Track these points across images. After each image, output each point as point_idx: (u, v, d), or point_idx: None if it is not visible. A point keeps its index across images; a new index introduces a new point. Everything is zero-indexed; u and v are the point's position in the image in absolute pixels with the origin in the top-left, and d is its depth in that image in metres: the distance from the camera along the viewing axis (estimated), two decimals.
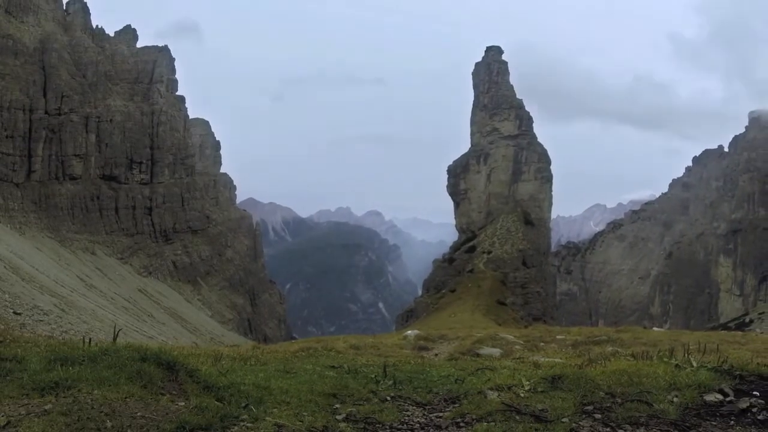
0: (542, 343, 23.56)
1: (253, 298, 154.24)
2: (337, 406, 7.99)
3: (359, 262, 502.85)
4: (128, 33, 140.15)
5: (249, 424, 6.80)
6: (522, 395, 8.04)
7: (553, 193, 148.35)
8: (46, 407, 6.47)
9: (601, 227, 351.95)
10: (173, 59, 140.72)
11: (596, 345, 21.21)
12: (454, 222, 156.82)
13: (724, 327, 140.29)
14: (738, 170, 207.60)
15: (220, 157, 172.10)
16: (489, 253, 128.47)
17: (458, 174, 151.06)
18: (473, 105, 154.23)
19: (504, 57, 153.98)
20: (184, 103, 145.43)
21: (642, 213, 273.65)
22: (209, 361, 10.80)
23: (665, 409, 7.12)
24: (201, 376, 8.27)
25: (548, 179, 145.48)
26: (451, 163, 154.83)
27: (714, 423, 6.85)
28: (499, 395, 8.19)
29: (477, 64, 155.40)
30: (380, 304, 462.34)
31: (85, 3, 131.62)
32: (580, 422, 7.00)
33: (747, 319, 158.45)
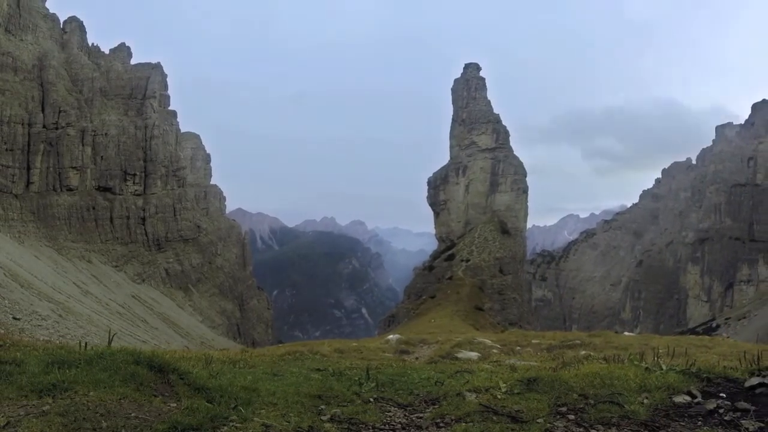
0: (518, 347, 24.04)
1: (241, 304, 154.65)
2: (323, 407, 8.12)
3: (343, 269, 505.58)
4: (122, 50, 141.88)
5: (238, 425, 6.91)
6: (499, 397, 8.16)
7: (528, 203, 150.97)
8: (44, 408, 6.57)
9: (574, 236, 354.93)
10: (165, 75, 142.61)
11: (570, 349, 21.67)
12: (433, 231, 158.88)
13: (692, 332, 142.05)
14: (705, 182, 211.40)
15: (210, 169, 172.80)
16: (467, 261, 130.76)
17: (438, 185, 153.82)
18: (452, 119, 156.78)
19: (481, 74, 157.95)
20: (176, 117, 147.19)
21: (614, 222, 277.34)
22: (200, 364, 11.09)
23: (636, 410, 7.23)
24: (192, 379, 8.43)
25: (524, 190, 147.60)
26: (431, 175, 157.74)
27: (682, 423, 6.93)
28: (476, 397, 8.32)
29: (456, 80, 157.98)
30: (363, 310, 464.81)
31: (82, 22, 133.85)
32: (554, 423, 7.13)
33: (714, 324, 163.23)
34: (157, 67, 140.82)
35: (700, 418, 7.08)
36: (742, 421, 6.87)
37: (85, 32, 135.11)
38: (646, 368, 8.97)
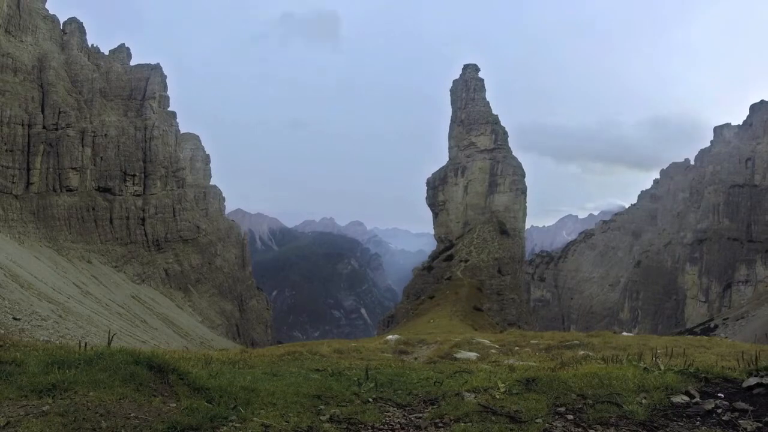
0: (517, 348, 23.93)
1: (241, 304, 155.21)
2: (322, 407, 8.15)
3: (342, 269, 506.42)
4: (122, 51, 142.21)
5: (237, 425, 6.92)
6: (497, 397, 8.19)
7: (527, 204, 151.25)
8: (44, 408, 6.58)
9: (573, 237, 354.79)
10: (165, 76, 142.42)
11: (568, 349, 21.70)
12: (432, 232, 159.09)
13: (690, 332, 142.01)
14: (703, 182, 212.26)
15: (209, 169, 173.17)
16: (466, 261, 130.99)
17: (437, 186, 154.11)
18: (451, 120, 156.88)
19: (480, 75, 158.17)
20: (175, 118, 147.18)
21: (612, 223, 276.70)
22: (199, 364, 11.21)
23: (634, 410, 7.24)
24: (191, 379, 8.44)
25: (523, 191, 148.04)
26: (429, 176, 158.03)
27: (681, 423, 6.93)
28: (475, 397, 8.34)
29: (455, 81, 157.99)
30: (362, 310, 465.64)
31: (81, 23, 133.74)
32: (553, 423, 7.14)
33: (712, 325, 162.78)
34: (157, 68, 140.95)
35: (698, 418, 7.07)
36: (740, 421, 6.86)
37: (85, 33, 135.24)
38: (645, 368, 8.98)
